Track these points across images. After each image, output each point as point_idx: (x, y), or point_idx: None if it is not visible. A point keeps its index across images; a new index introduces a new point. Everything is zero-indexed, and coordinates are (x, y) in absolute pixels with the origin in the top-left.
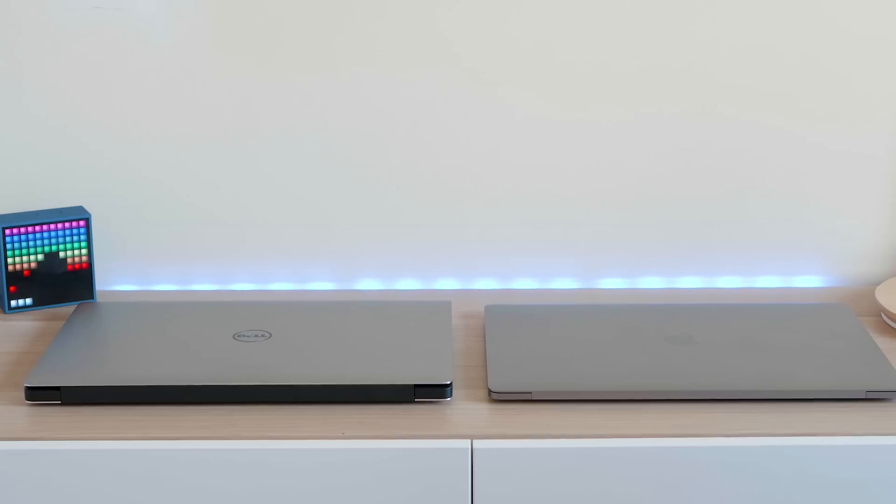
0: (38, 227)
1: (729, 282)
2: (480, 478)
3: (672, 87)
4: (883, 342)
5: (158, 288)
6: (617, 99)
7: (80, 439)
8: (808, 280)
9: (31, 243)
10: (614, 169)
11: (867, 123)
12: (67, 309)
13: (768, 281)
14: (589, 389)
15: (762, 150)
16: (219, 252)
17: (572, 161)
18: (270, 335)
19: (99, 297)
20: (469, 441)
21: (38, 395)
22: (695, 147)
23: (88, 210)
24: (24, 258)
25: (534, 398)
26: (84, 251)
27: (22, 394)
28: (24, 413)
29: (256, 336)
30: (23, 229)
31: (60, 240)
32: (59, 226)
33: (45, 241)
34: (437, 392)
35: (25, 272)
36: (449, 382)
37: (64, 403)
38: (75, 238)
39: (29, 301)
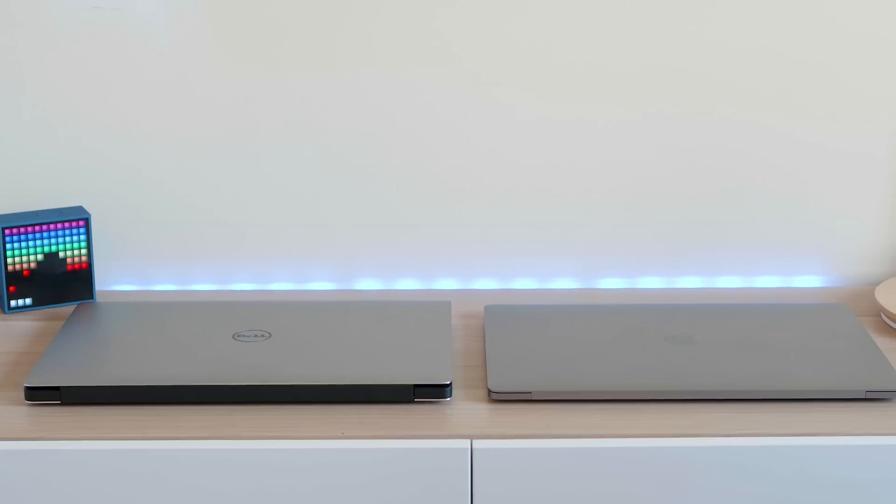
0: (37, 227)
1: (729, 282)
2: (480, 478)
3: (672, 87)
4: (882, 342)
5: (158, 288)
6: (617, 99)
7: (79, 439)
8: (808, 280)
9: (30, 243)
10: (614, 169)
11: (867, 123)
12: (67, 309)
13: (768, 281)
14: (589, 389)
15: (762, 150)
16: (218, 252)
17: (572, 161)
18: (270, 335)
19: (99, 297)
20: (469, 441)
21: (38, 395)
22: (695, 147)
23: (88, 210)
24: (24, 258)
25: (533, 398)
26: (84, 251)
27: (21, 394)
28: (24, 413)
29: (256, 336)
30: (22, 229)
31: (60, 240)
32: (59, 226)
33: (45, 241)
34: (436, 392)
35: (25, 272)
36: (448, 382)
37: (63, 403)
38: (75, 238)
39: (28, 301)
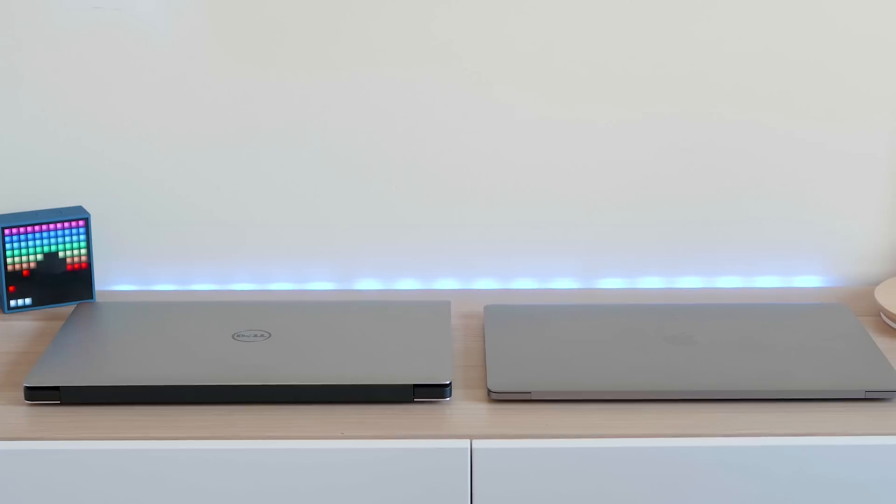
0: (37, 227)
1: (728, 282)
2: (479, 478)
3: (672, 87)
4: (882, 342)
5: (158, 288)
6: (616, 99)
7: (79, 439)
8: (808, 280)
9: (30, 243)
10: (614, 169)
11: (866, 124)
12: (67, 309)
13: (768, 281)
14: (588, 389)
15: (762, 151)
16: (218, 252)
17: (572, 161)
18: (270, 335)
19: (98, 297)
20: (468, 441)
21: (38, 394)
22: (695, 147)
23: (88, 210)
24: (24, 258)
25: (533, 398)
26: (83, 251)
27: (21, 394)
28: (24, 413)
29: (256, 336)
30: (22, 229)
31: (60, 240)
32: (59, 226)
33: (45, 241)
34: (436, 392)
35: (25, 272)
36: (448, 382)
37: (63, 403)
38: (75, 238)
39: (28, 301)
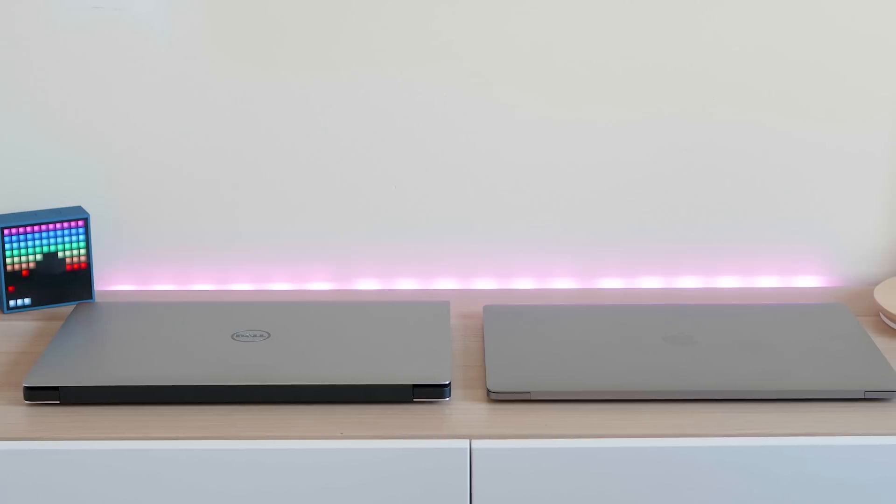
0: (36, 227)
1: (728, 282)
2: (479, 478)
3: (671, 87)
4: (881, 342)
5: (157, 288)
6: (616, 99)
7: (78, 439)
8: (807, 280)
9: (29, 243)
10: (614, 169)
11: (866, 123)
12: (66, 309)
13: (767, 281)
14: (588, 389)
15: (761, 150)
16: (217, 252)
17: (572, 161)
18: (269, 335)
19: (98, 297)
20: (468, 441)
21: (37, 395)
22: (694, 147)
23: (87, 210)
24: (23, 258)
25: (532, 398)
26: (83, 251)
27: (20, 394)
28: (23, 413)
29: (255, 336)
30: (21, 229)
31: (59, 240)
32: (58, 226)
33: (44, 241)
34: (435, 392)
35: (24, 272)
36: (447, 382)
37: (62, 403)
38: (74, 238)
39: (27, 301)
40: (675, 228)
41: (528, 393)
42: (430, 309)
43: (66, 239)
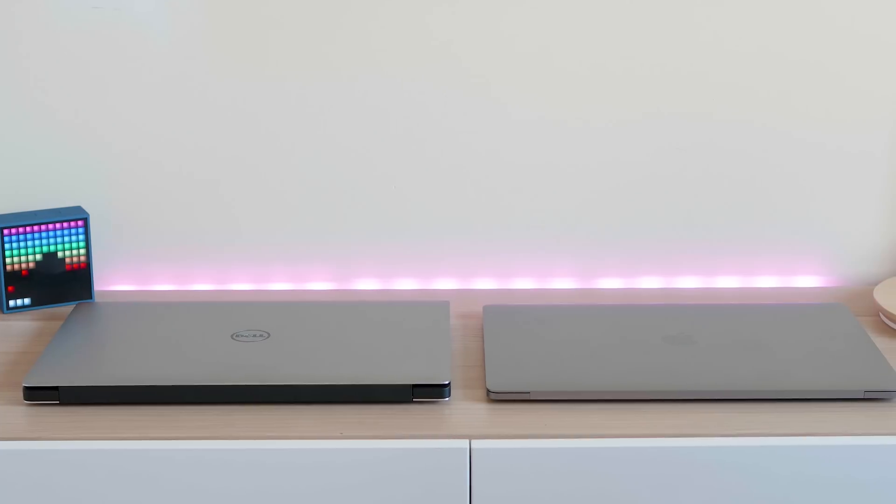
0: (36, 227)
1: (727, 282)
2: (478, 478)
3: (670, 87)
4: (881, 342)
5: (157, 288)
6: (615, 99)
7: (78, 439)
8: (807, 280)
9: (29, 243)
10: (613, 169)
11: (866, 123)
12: (66, 309)
13: (767, 281)
14: (587, 389)
15: (760, 151)
16: (217, 252)
17: (571, 161)
18: (269, 335)
19: (97, 297)
20: (467, 441)
21: (37, 394)
22: (693, 147)
23: (87, 210)
24: (23, 258)
25: (532, 398)
26: (82, 251)
27: (20, 394)
28: (23, 413)
29: (255, 336)
30: (21, 229)
31: (59, 240)
32: (58, 226)
33: (44, 241)
34: (435, 392)
35: (24, 272)
36: (447, 382)
37: (62, 403)
38: (73, 238)
39: (27, 301)
40: (675, 228)
41: (528, 393)
42: (430, 309)
43: (66, 239)
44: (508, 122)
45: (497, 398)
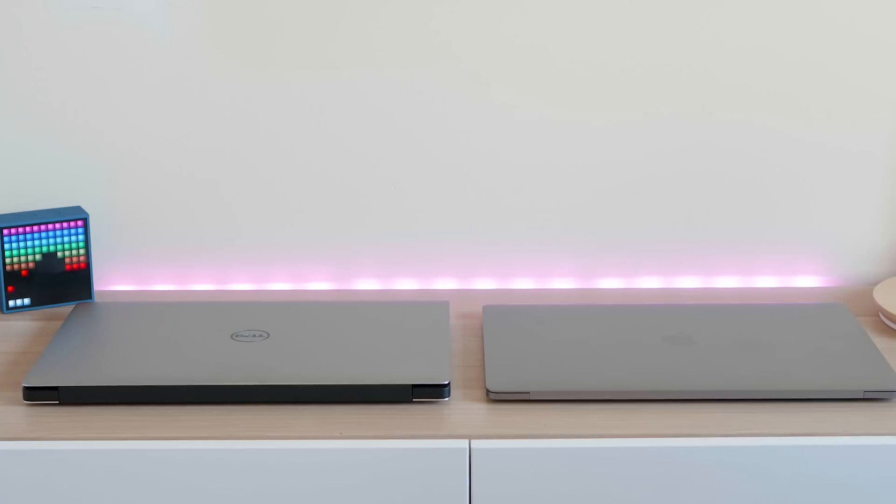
0: (35, 227)
1: (727, 282)
2: (478, 478)
3: (670, 87)
4: (881, 342)
5: (156, 288)
6: (615, 99)
7: (77, 439)
8: (807, 280)
9: (28, 243)
10: (613, 169)
11: (866, 123)
12: (65, 309)
13: (766, 281)
14: (587, 389)
15: (760, 150)
16: (217, 252)
17: (571, 161)
18: (268, 335)
19: (97, 297)
20: (467, 441)
21: (36, 395)
22: (693, 147)
23: (86, 210)
24: (22, 258)
25: (532, 398)
26: (82, 251)
27: (20, 394)
28: (22, 413)
29: (254, 336)
30: (20, 229)
31: (58, 240)
32: (57, 226)
33: (43, 241)
34: (434, 392)
35: (23, 272)
36: (447, 382)
37: (62, 403)
38: (73, 238)
39: (27, 301)
40: (675, 228)
41: (528, 393)
42: (430, 309)
43: (66, 239)
44: (508, 122)
45: (497, 398)
